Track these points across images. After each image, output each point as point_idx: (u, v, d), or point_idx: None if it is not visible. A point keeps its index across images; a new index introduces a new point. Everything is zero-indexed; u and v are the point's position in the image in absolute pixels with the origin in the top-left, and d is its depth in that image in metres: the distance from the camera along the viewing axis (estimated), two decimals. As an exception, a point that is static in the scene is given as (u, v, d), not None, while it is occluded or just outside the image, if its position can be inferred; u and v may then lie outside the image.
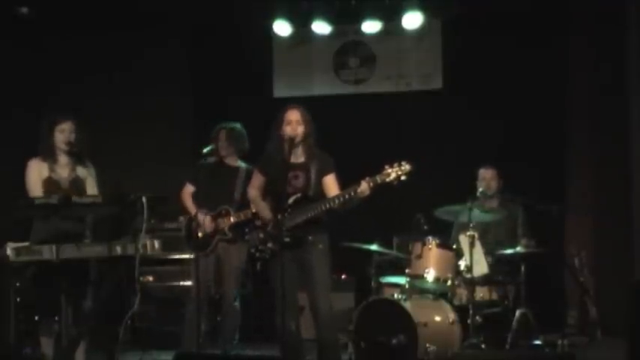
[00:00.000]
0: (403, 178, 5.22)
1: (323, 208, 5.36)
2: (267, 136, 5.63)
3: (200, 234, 6.26)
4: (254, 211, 5.95)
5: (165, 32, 8.35)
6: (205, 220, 6.26)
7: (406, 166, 5.23)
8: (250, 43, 8.37)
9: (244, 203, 6.24)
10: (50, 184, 5.61)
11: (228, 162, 6.46)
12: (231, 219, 6.27)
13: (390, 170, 5.23)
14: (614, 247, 7.47)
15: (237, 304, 6.41)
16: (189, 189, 6.45)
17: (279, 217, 5.38)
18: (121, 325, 5.56)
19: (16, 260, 5.10)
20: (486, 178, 7.01)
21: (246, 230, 5.70)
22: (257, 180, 5.72)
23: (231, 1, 8.07)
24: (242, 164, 6.46)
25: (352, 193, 5.26)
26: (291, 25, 8.15)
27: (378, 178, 5.23)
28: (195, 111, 8.54)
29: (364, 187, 5.23)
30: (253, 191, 5.73)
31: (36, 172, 5.63)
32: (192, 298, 6.20)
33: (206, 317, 6.48)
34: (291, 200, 5.43)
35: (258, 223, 5.63)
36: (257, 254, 5.49)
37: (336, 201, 5.33)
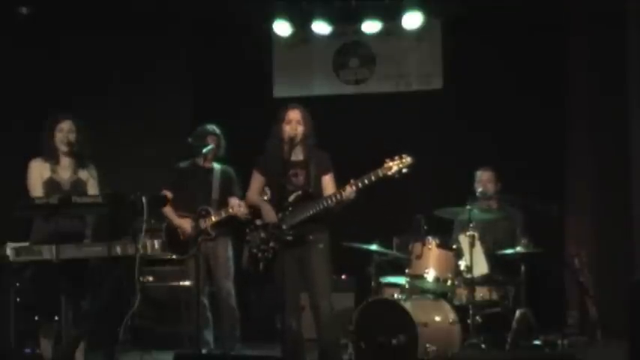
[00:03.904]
0: (405, 170, 5.27)
1: (321, 206, 5.39)
2: (266, 136, 5.65)
3: (182, 237, 6.33)
4: (234, 211, 6.04)
5: (165, 32, 8.34)
6: (186, 222, 6.30)
7: (407, 159, 5.28)
8: (250, 43, 8.38)
9: (222, 203, 6.31)
10: (51, 185, 5.61)
11: (202, 164, 6.50)
12: (213, 218, 6.32)
13: (391, 164, 5.27)
14: (614, 247, 7.46)
15: (233, 299, 6.41)
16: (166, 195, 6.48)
17: (280, 215, 5.40)
18: (121, 325, 5.56)
19: (15, 260, 5.11)
20: (483, 179, 7.01)
21: (247, 231, 5.71)
22: (256, 182, 5.73)
23: (232, 1, 8.07)
24: (216, 165, 6.54)
25: (339, 197, 5.33)
26: (291, 25, 8.15)
27: (380, 172, 5.27)
28: (195, 111, 8.54)
29: (348, 191, 5.29)
30: (254, 195, 5.75)
31: (37, 173, 5.63)
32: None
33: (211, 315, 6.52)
34: (291, 198, 5.45)
35: (258, 222, 5.64)
36: (259, 254, 5.50)
37: (330, 200, 5.38)
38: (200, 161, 6.49)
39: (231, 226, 6.38)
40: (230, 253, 6.44)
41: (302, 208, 5.44)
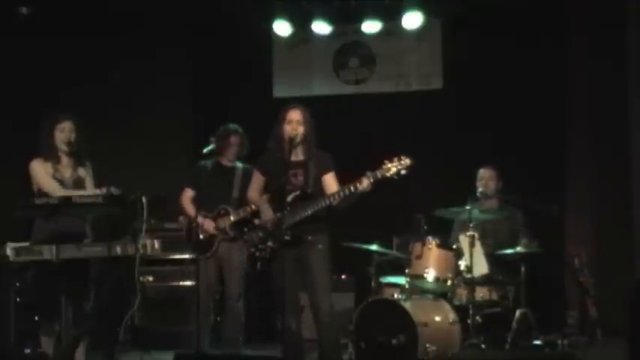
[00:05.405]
0: (403, 172, 5.24)
1: (322, 204, 5.39)
2: (267, 136, 5.66)
3: (201, 236, 6.28)
4: (254, 208, 6.00)
5: (165, 32, 8.34)
6: (205, 221, 6.28)
7: (406, 160, 5.25)
8: (250, 43, 8.38)
9: (242, 202, 6.28)
10: (54, 183, 5.62)
11: (224, 162, 6.49)
12: (232, 217, 6.29)
13: (389, 165, 5.25)
14: (614, 247, 7.47)
15: (240, 303, 6.40)
16: (188, 193, 6.47)
17: (279, 215, 5.41)
18: (121, 325, 5.56)
19: (16, 260, 5.11)
20: (485, 177, 7.02)
21: (245, 230, 5.71)
22: (257, 181, 5.75)
23: (232, 1, 8.07)
24: (238, 164, 6.50)
25: (352, 189, 5.28)
26: (291, 25, 8.15)
27: (379, 173, 5.26)
28: (195, 111, 8.54)
29: (365, 183, 5.25)
30: (254, 193, 5.76)
31: (43, 170, 5.63)
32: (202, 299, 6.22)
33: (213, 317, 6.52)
34: (290, 198, 5.45)
35: (257, 222, 5.65)
36: (257, 253, 5.50)
37: (336, 197, 5.36)
38: (224, 161, 6.47)
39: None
40: (245, 257, 6.35)
41: (300, 208, 5.43)
